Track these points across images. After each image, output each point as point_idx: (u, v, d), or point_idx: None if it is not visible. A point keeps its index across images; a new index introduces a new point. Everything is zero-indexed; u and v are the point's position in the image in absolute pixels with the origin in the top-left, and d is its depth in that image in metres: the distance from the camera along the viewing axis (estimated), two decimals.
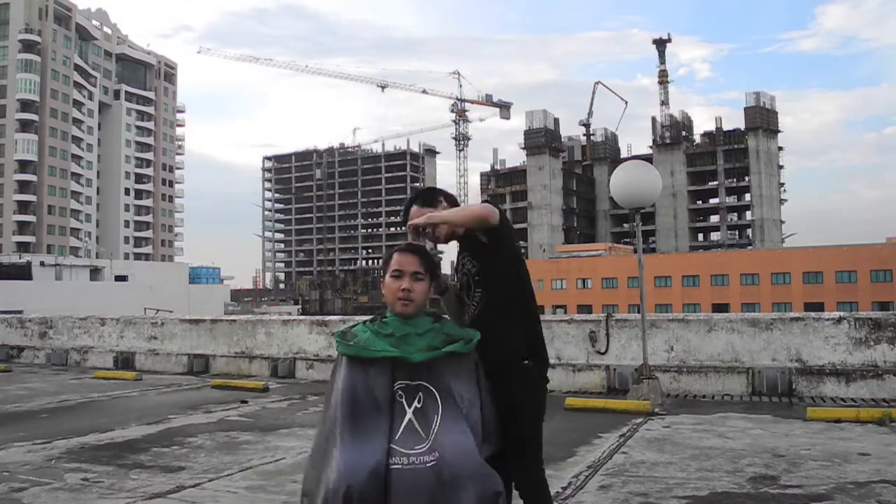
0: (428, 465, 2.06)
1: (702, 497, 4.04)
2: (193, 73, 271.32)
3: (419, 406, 2.14)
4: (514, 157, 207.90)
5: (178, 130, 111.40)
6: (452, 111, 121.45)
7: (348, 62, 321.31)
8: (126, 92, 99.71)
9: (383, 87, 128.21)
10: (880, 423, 6.16)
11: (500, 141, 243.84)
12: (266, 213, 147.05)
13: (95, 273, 63.14)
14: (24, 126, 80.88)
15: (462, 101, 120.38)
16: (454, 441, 2.11)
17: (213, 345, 11.91)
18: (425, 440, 2.10)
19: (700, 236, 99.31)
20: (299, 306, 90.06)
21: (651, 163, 9.58)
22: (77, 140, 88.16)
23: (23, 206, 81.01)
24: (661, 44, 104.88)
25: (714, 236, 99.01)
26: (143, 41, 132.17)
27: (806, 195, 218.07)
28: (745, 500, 3.97)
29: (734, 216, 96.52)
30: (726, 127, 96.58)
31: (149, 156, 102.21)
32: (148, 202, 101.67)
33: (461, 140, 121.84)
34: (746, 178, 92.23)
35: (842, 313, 8.12)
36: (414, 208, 2.61)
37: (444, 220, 2.48)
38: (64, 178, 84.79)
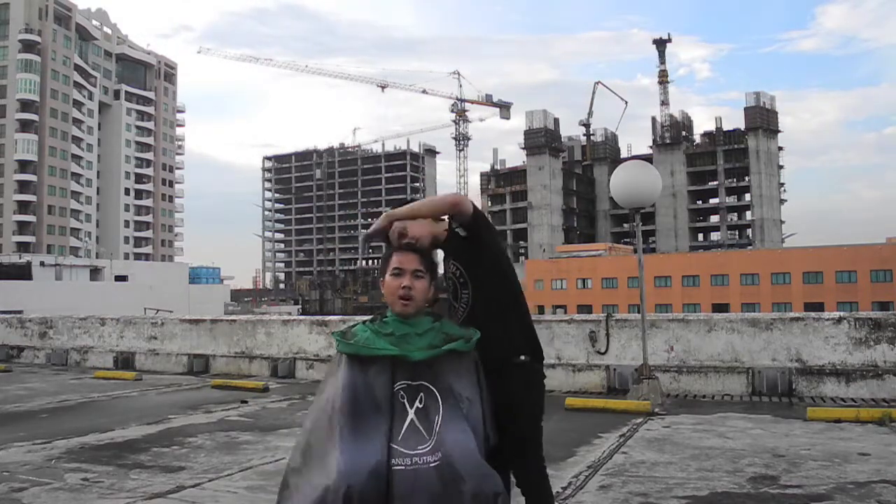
0: (431, 465, 2.05)
1: (702, 497, 4.04)
2: (193, 73, 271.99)
3: (420, 406, 2.13)
4: (514, 157, 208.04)
5: (178, 130, 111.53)
6: (452, 111, 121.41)
7: (348, 62, 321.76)
8: (126, 92, 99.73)
9: (383, 87, 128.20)
10: (880, 423, 6.16)
11: (500, 141, 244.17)
12: (266, 213, 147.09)
13: (95, 273, 63.11)
14: (24, 126, 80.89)
15: (462, 101, 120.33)
16: (456, 441, 2.10)
17: (213, 345, 11.91)
18: (428, 440, 2.09)
19: (700, 236, 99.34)
20: (299, 306, 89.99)
21: (651, 163, 9.59)
22: (77, 140, 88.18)
23: (23, 206, 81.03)
24: (661, 44, 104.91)
25: (714, 236, 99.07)
26: (143, 41, 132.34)
27: (806, 195, 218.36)
28: (745, 500, 3.97)
29: (734, 216, 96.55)
30: (726, 127, 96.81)
31: (149, 156, 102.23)
32: (148, 202, 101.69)
33: (461, 140, 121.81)
34: (746, 178, 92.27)
35: (842, 313, 8.11)
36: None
37: (412, 213, 2.44)
38: (64, 178, 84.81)
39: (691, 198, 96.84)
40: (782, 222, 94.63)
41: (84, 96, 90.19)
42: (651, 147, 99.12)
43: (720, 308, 52.11)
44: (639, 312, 7.98)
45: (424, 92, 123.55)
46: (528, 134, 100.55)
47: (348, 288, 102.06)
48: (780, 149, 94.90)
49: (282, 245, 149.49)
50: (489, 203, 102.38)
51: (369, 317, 2.39)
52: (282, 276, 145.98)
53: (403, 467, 2.05)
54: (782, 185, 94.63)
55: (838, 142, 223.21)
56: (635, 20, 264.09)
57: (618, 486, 4.30)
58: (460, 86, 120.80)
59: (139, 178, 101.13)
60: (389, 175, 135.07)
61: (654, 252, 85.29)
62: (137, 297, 46.14)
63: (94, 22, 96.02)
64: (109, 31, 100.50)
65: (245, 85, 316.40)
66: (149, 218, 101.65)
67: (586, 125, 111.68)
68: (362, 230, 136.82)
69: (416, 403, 2.14)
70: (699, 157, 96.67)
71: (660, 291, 60.20)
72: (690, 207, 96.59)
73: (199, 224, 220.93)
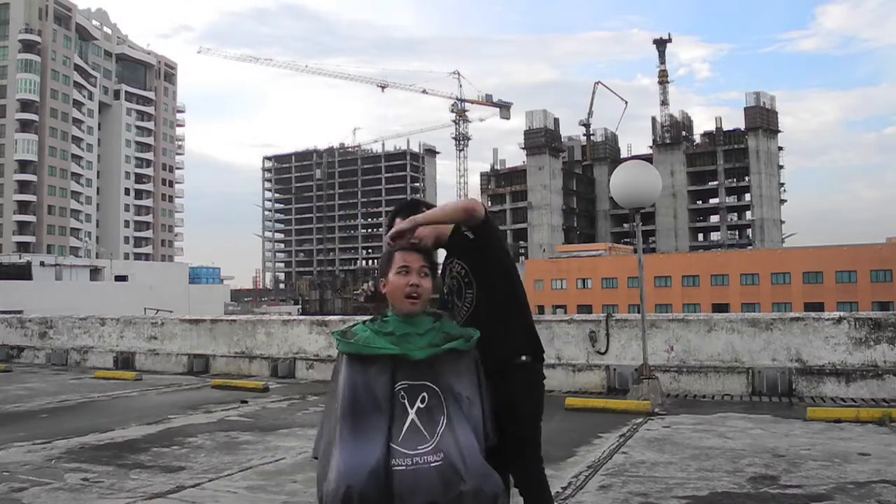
0: (433, 465, 2.05)
1: (702, 497, 4.04)
2: (193, 73, 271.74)
3: (423, 406, 2.13)
4: (514, 157, 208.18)
5: (178, 130, 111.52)
6: (452, 111, 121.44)
7: (348, 62, 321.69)
8: (126, 92, 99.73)
9: (383, 87, 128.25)
10: (880, 423, 6.15)
11: (500, 141, 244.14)
12: (266, 213, 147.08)
13: (95, 273, 63.12)
14: (24, 126, 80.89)
15: (462, 101, 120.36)
16: (457, 441, 2.10)
17: (213, 345, 11.91)
18: (429, 440, 2.09)
19: (700, 236, 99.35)
20: (299, 306, 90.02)
21: (651, 163, 9.58)
22: (77, 140, 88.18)
23: (23, 206, 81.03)
24: (661, 44, 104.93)
25: (714, 236, 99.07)
26: (143, 41, 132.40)
27: (806, 195, 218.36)
28: (745, 500, 3.97)
29: (734, 216, 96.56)
30: (726, 127, 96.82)
31: (149, 156, 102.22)
32: (148, 202, 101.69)
33: (461, 140, 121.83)
34: (746, 178, 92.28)
35: (842, 313, 8.11)
36: (397, 221, 2.53)
37: (431, 219, 2.44)
38: (64, 178, 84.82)
39: (691, 198, 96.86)
40: (782, 222, 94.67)
41: (84, 96, 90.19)
42: (651, 147, 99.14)
43: (720, 308, 52.11)
44: (639, 312, 7.98)
45: (424, 92, 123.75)
46: (528, 134, 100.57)
47: (348, 288, 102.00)
48: (780, 149, 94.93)
49: (282, 245, 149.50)
50: (489, 203, 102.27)
51: (369, 317, 2.39)
52: (282, 276, 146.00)
53: (404, 467, 2.04)
54: (782, 185, 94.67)
55: (838, 142, 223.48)
56: (635, 20, 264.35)
57: (618, 486, 4.30)
58: (460, 86, 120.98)
59: (139, 178, 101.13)
60: (389, 175, 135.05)
61: (654, 252, 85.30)
62: (137, 297, 46.16)
63: (94, 22, 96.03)
64: (109, 31, 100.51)
65: (245, 85, 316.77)
66: (149, 218, 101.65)
67: (586, 125, 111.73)
68: (362, 230, 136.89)
69: (418, 403, 2.13)
70: (699, 157, 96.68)
71: (660, 291, 60.21)
72: (690, 207, 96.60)
73: (199, 224, 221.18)
